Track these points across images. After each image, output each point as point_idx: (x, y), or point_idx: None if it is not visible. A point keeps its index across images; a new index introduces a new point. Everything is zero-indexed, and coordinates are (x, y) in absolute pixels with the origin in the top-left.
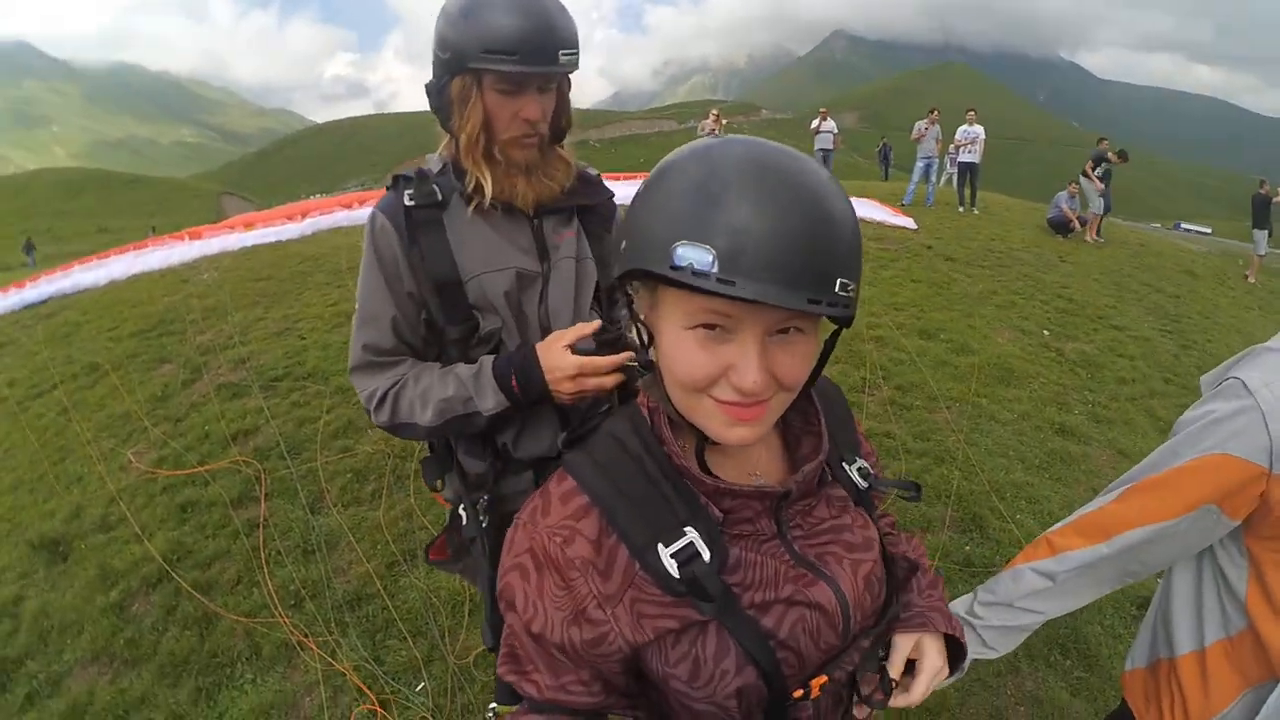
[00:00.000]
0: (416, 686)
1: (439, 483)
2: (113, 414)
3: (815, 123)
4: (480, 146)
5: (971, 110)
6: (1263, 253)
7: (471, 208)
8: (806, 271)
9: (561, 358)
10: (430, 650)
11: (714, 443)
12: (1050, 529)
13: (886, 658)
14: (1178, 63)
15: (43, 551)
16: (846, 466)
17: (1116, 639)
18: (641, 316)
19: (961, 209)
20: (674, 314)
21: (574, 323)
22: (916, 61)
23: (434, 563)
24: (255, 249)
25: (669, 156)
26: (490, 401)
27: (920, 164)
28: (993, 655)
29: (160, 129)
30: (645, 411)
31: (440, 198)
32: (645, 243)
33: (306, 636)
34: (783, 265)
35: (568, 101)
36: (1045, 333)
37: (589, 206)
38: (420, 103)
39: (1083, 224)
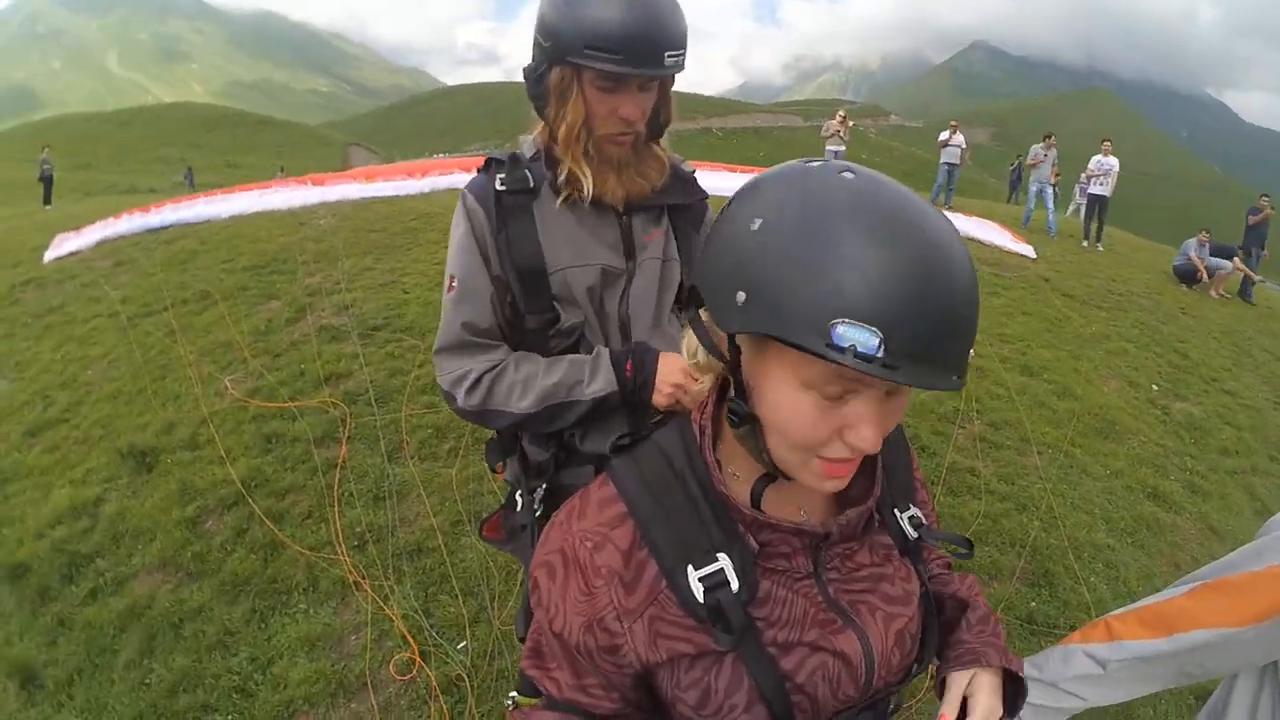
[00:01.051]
0: (459, 644)
1: (500, 465)
2: (216, 341)
3: (945, 135)
4: (581, 143)
5: (1107, 141)
6: None
7: (561, 200)
8: (955, 351)
9: (676, 362)
10: (478, 611)
11: (785, 478)
12: (1112, 612)
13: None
14: None
15: (130, 460)
16: (898, 514)
17: None
18: (741, 368)
19: (1085, 243)
20: (792, 373)
21: (654, 323)
22: (1057, 82)
23: (487, 539)
24: (373, 201)
25: (799, 200)
26: (600, 382)
27: (1034, 188)
28: None
29: (295, 76)
30: (696, 429)
31: (532, 184)
32: (786, 309)
33: (364, 578)
34: (940, 348)
35: (669, 98)
36: (1154, 387)
37: (681, 205)
38: None
39: (1210, 275)
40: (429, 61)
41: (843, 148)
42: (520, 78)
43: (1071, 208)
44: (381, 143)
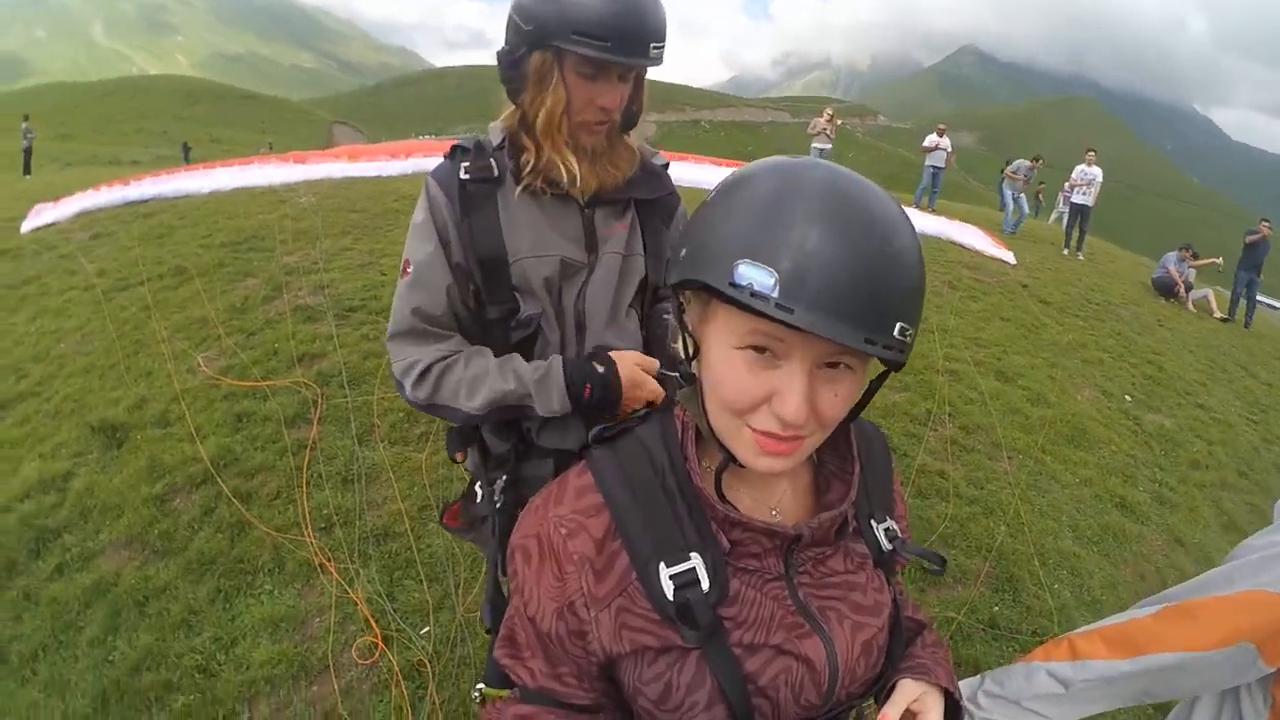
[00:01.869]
0: (422, 629)
1: (461, 454)
2: (191, 317)
3: (932, 138)
4: (563, 129)
5: (1092, 150)
6: None
7: (520, 188)
8: (868, 309)
9: (635, 371)
10: (442, 598)
11: (739, 465)
12: (1076, 630)
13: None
14: None
15: (100, 435)
16: (875, 524)
17: None
18: (690, 327)
19: (1066, 251)
20: (725, 331)
21: (611, 319)
22: (1044, 89)
23: (447, 527)
24: (355, 180)
25: (743, 169)
26: (556, 405)
27: (1008, 193)
28: None
29: (280, 50)
30: (678, 425)
31: (496, 173)
32: (707, 255)
33: (329, 561)
34: (845, 299)
35: (643, 89)
36: (1127, 398)
37: (647, 200)
38: None
39: (1188, 289)
40: (416, 41)
41: (828, 145)
42: None
43: (1054, 216)
44: (366, 121)
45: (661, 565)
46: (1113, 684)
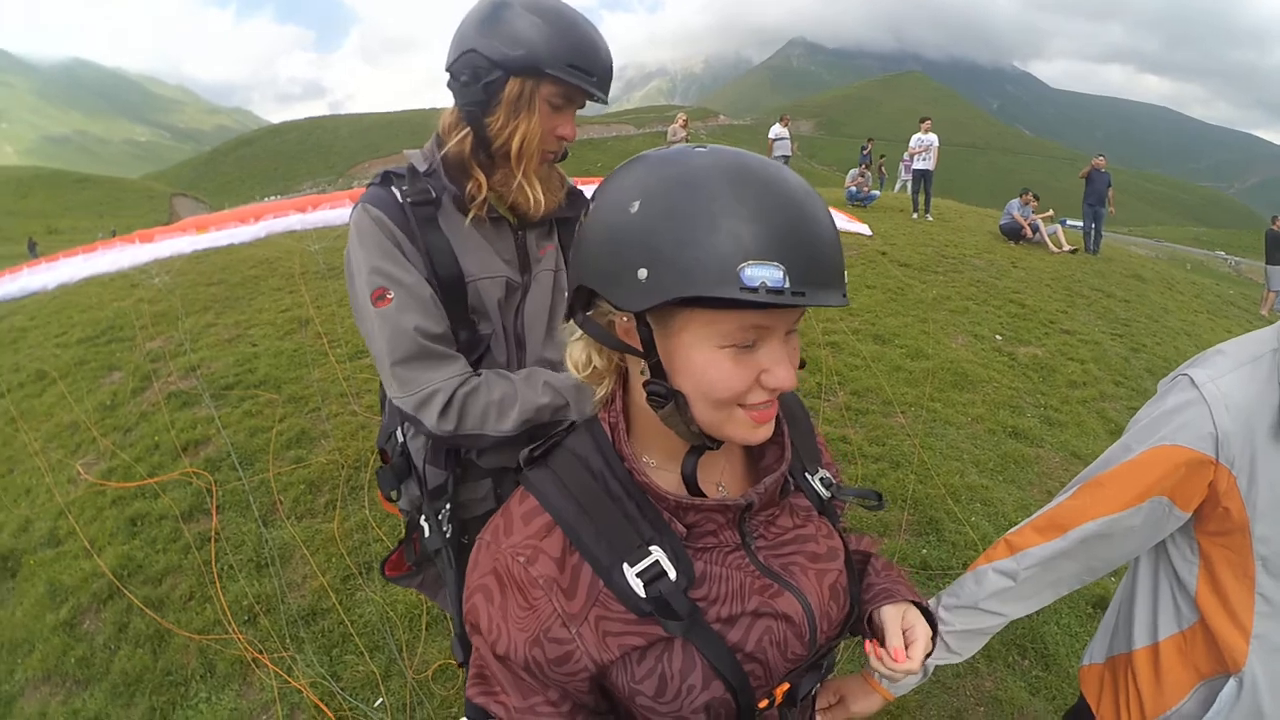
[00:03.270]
0: (375, 702)
1: (394, 493)
2: (61, 423)
3: (776, 129)
4: (535, 156)
5: (926, 119)
6: (1278, 288)
7: (469, 217)
8: (837, 271)
9: None
10: (388, 665)
11: (713, 447)
12: (1009, 531)
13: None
14: (1128, 73)
15: None
16: (809, 476)
17: (1073, 638)
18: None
19: (915, 215)
20: (705, 335)
21: (548, 335)
22: (873, 70)
23: (390, 578)
24: (207, 252)
25: (667, 176)
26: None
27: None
28: (956, 660)
29: (111, 126)
30: (606, 427)
31: (434, 196)
32: (695, 268)
33: (261, 653)
34: (827, 269)
35: None
36: (998, 337)
37: (565, 219)
38: (376, 104)
39: (1034, 231)
40: (251, 99)
41: None
42: (348, 109)
43: (898, 185)
44: (208, 190)
45: (625, 566)
46: (1052, 566)
